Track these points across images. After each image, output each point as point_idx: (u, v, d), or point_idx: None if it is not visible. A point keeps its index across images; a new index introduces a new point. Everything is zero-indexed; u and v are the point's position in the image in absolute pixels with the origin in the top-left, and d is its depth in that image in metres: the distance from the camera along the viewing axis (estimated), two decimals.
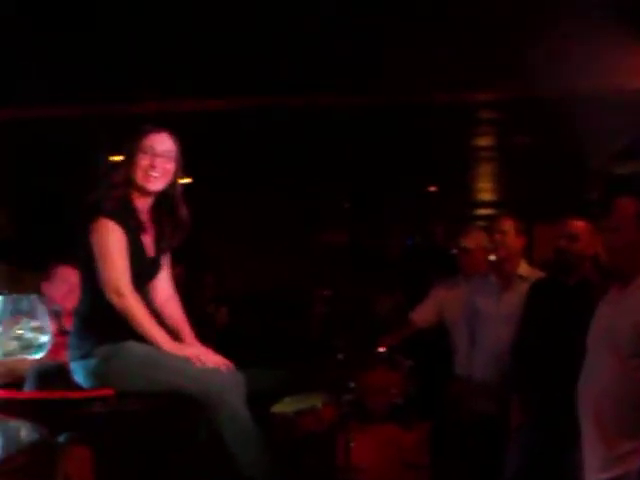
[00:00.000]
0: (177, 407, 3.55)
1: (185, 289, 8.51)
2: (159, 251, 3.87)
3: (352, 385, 5.66)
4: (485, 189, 13.08)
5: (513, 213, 5.80)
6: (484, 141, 9.03)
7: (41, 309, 3.86)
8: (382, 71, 6.21)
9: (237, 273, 11.46)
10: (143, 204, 3.81)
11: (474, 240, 6.28)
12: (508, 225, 5.63)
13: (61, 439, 2.66)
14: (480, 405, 5.73)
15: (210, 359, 3.62)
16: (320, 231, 13.54)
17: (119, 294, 3.59)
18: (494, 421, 5.35)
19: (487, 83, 6.52)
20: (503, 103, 7.31)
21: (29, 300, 3.86)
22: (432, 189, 12.51)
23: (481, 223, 10.68)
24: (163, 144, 3.78)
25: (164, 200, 3.84)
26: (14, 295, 3.84)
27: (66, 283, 5.04)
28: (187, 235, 3.92)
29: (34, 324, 3.80)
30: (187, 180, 10.77)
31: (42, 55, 5.73)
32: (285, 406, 5.51)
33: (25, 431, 2.66)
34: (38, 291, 4.80)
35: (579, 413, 3.99)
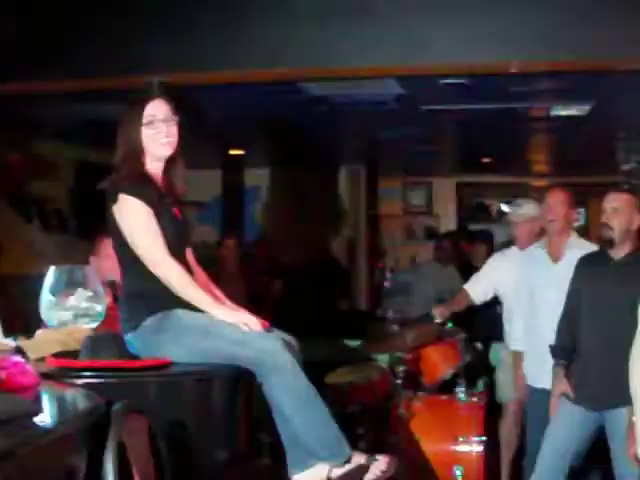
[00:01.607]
0: (230, 375, 3.57)
1: (238, 261, 8.63)
2: (180, 212, 3.90)
3: (405, 356, 5.67)
4: (539, 161, 12.99)
5: (564, 184, 5.79)
6: (538, 112, 8.94)
7: (94, 278, 3.90)
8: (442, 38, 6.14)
9: (290, 246, 11.52)
10: (157, 171, 3.83)
11: (523, 211, 6.28)
12: (559, 196, 5.63)
13: (116, 407, 2.68)
14: (533, 377, 5.72)
15: (256, 323, 3.62)
16: (373, 203, 13.55)
17: (159, 264, 3.61)
18: (548, 393, 5.32)
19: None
20: (559, 73, 7.21)
21: (83, 270, 3.90)
22: (486, 160, 12.45)
23: (534, 194, 10.59)
24: (162, 110, 3.80)
25: (170, 163, 3.88)
26: (68, 266, 3.88)
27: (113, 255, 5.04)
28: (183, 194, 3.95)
29: (88, 293, 3.85)
30: (240, 152, 10.87)
31: (89, 29, 5.77)
32: (339, 377, 5.54)
33: (80, 399, 2.69)
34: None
35: (632, 385, 3.98)
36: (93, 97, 7.03)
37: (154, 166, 3.83)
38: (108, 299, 4.18)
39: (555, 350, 5.15)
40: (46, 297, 3.84)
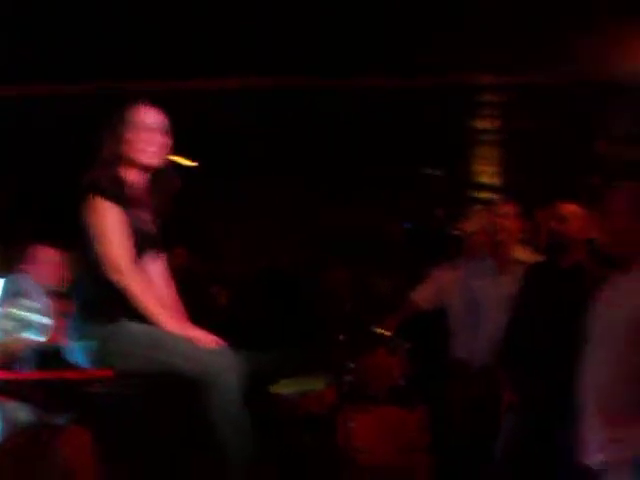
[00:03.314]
0: (175, 388, 3.55)
1: (187, 270, 8.58)
2: (157, 227, 3.86)
3: (352, 366, 5.67)
4: (486, 172, 13.05)
5: (512, 197, 5.82)
6: (486, 124, 9.02)
7: (38, 289, 3.86)
8: (384, 53, 6.19)
9: (237, 254, 11.48)
10: (139, 180, 3.78)
11: (475, 223, 6.28)
12: (507, 208, 5.65)
13: (59, 420, 2.66)
14: (477, 388, 5.74)
15: (210, 340, 3.61)
16: (323, 213, 13.54)
17: (121, 273, 3.56)
18: (492, 403, 5.34)
19: (491, 66, 6.51)
20: (506, 86, 7.30)
21: (26, 280, 3.86)
22: (433, 172, 12.49)
23: (481, 207, 10.65)
24: (154, 118, 3.77)
25: (158, 174, 3.83)
26: (11, 276, 3.84)
27: (48, 264, 4.96)
28: (174, 207, 3.91)
29: (31, 304, 3.80)
30: (192, 164, 10.83)
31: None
32: (286, 387, 5.52)
33: (23, 412, 2.66)
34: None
35: (579, 396, 3.99)
36: None
37: (137, 174, 3.77)
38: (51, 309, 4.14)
39: (501, 358, 5.17)
40: None
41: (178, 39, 5.97)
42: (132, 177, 3.76)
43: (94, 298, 3.66)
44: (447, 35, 5.80)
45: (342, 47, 5.98)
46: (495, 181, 13.65)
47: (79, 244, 3.74)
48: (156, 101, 3.85)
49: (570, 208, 4.94)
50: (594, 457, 3.87)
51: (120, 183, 3.70)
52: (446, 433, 6.20)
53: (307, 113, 8.08)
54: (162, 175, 3.83)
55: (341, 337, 5.85)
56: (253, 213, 12.46)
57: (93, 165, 3.72)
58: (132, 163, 3.74)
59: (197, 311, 4.06)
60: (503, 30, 5.75)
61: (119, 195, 3.64)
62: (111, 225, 3.59)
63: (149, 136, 3.72)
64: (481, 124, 8.98)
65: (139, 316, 3.58)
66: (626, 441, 3.68)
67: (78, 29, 5.67)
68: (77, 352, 3.62)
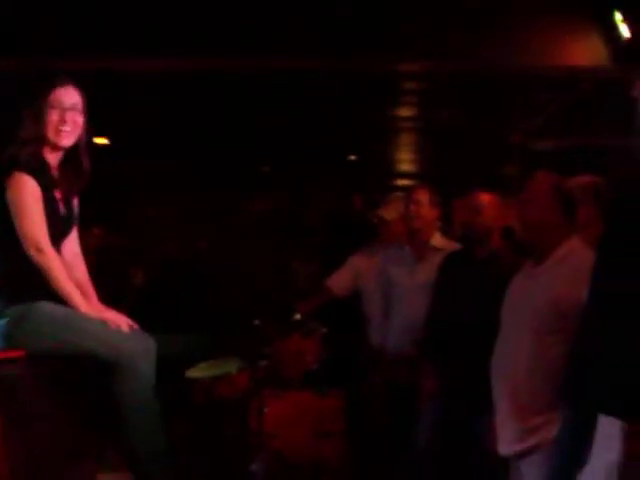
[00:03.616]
0: (88, 372, 3.52)
1: (104, 250, 8.50)
2: (69, 207, 3.83)
3: (267, 351, 5.66)
4: (405, 160, 13.15)
5: (429, 184, 5.83)
6: (406, 112, 9.06)
7: None
8: (306, 37, 6.18)
9: (157, 235, 11.43)
10: (54, 159, 3.77)
11: (394, 211, 6.29)
12: (423, 196, 5.66)
13: None
14: (392, 374, 5.77)
15: (123, 322, 3.60)
16: (245, 199, 13.54)
17: (39, 251, 3.54)
18: (406, 390, 5.39)
19: (411, 54, 6.53)
20: (426, 75, 7.33)
21: None
22: (352, 158, 12.54)
23: (400, 194, 10.73)
24: (71, 97, 3.74)
25: (70, 153, 3.80)
26: None
27: None
28: (86, 186, 3.88)
29: None
30: (104, 141, 10.65)
31: None
32: (200, 371, 5.50)
33: None
34: None
35: (493, 386, 4.03)
36: None
37: (52, 154, 3.75)
38: None
39: (422, 347, 5.20)
40: None
41: (96, 18, 5.90)
42: (49, 157, 3.74)
43: (7, 276, 3.62)
44: (370, 21, 5.81)
45: (260, 27, 5.97)
46: (414, 169, 13.80)
47: None
48: (74, 80, 3.82)
49: (485, 198, 4.97)
50: (509, 448, 3.93)
51: (39, 162, 3.68)
52: (361, 419, 6.25)
53: (229, 97, 8.04)
54: (75, 156, 3.80)
55: (257, 322, 5.82)
56: (172, 195, 12.41)
57: (13, 143, 3.69)
58: (48, 143, 3.72)
59: (112, 291, 4.04)
60: (425, 18, 5.77)
61: (38, 173, 3.62)
62: (31, 202, 3.59)
63: (65, 116, 3.69)
64: (400, 112, 9.03)
65: (54, 297, 3.55)
66: (540, 429, 3.74)
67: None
68: None
